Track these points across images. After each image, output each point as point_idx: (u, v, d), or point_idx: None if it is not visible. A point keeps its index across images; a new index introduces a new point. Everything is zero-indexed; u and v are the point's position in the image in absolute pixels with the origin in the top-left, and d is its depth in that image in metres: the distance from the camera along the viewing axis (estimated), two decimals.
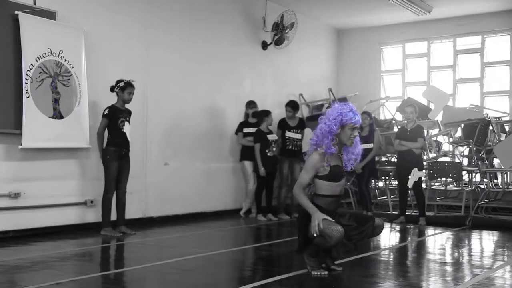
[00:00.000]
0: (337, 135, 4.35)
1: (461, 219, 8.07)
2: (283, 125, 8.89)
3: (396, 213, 8.49)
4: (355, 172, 8.53)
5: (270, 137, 8.63)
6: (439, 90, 10.26)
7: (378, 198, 9.76)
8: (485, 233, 7.39)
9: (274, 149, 8.59)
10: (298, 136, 8.83)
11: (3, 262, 4.95)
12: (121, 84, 6.72)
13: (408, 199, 8.52)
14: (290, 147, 8.80)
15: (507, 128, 9.85)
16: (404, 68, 11.83)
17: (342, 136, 4.36)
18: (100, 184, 6.78)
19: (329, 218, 4.23)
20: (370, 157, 8.36)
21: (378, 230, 4.45)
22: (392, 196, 9.12)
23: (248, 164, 8.76)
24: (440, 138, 10.07)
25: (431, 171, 8.44)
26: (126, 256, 5.85)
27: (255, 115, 8.78)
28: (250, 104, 8.88)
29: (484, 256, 5.92)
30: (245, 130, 8.76)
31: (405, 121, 8.45)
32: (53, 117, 6.51)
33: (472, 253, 6.03)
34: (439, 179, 9.13)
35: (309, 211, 4.30)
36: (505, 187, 8.63)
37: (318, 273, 4.40)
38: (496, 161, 9.24)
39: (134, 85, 6.79)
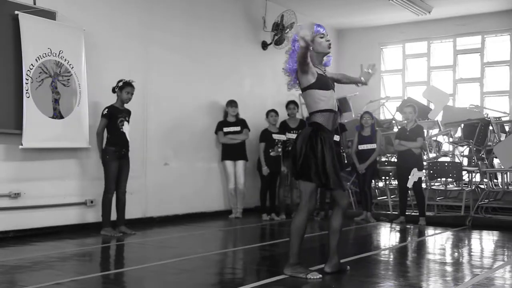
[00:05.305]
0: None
1: (461, 219, 8.06)
2: (283, 126, 8.89)
3: (396, 213, 8.48)
4: (356, 172, 8.52)
5: (277, 137, 8.62)
6: (439, 90, 10.25)
7: (378, 198, 9.75)
8: (485, 233, 7.38)
9: (279, 149, 8.58)
10: None
11: (3, 262, 4.95)
12: (120, 83, 6.74)
13: (408, 199, 8.52)
14: (290, 148, 8.79)
15: (507, 128, 9.84)
16: (404, 68, 11.83)
17: (317, 47, 4.47)
18: (100, 184, 6.78)
19: None
20: (373, 157, 8.35)
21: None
22: (392, 196, 9.11)
23: (229, 164, 8.68)
24: (440, 138, 10.07)
25: (431, 171, 8.44)
26: (126, 256, 5.85)
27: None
28: (231, 103, 8.67)
29: (484, 256, 5.91)
30: (225, 129, 8.67)
31: (405, 121, 8.44)
32: (53, 117, 6.51)
33: (472, 253, 6.03)
34: (439, 179, 9.13)
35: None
36: (505, 187, 8.63)
37: (313, 277, 4.27)
38: (496, 161, 9.23)
39: (133, 85, 6.80)
